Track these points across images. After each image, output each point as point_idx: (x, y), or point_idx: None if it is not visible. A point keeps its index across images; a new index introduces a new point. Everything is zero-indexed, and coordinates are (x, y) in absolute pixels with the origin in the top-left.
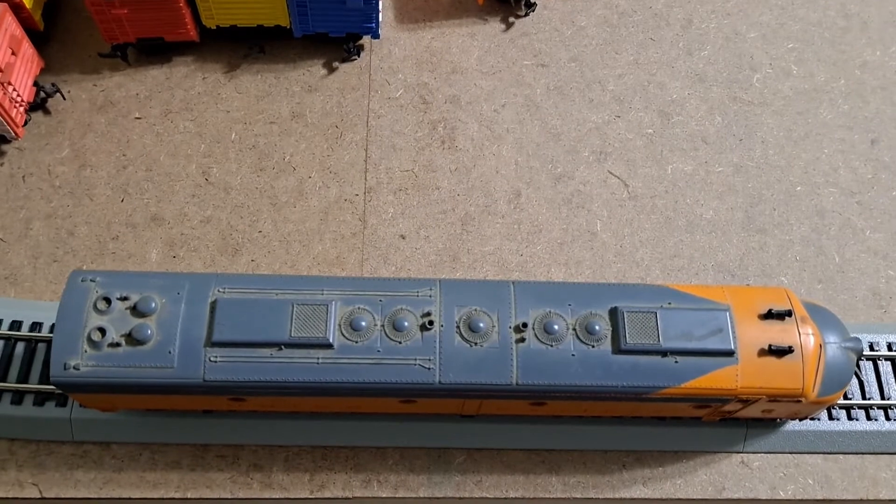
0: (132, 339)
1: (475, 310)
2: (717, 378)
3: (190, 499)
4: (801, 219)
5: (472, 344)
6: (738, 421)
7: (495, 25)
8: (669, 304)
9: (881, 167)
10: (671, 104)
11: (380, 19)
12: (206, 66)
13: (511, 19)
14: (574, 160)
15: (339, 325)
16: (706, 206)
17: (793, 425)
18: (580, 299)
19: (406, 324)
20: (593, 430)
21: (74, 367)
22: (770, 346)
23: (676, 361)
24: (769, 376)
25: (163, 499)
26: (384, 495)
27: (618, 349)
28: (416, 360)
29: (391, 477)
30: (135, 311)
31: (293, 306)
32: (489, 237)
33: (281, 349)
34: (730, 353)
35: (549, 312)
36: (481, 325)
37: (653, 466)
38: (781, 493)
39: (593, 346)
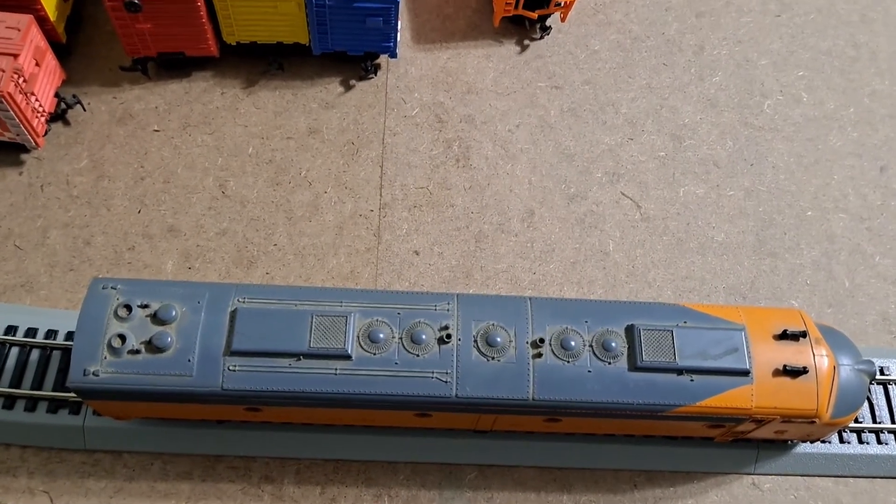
0: (152, 346)
1: (492, 324)
2: (732, 397)
3: None
4: (811, 243)
5: (489, 358)
6: (749, 442)
7: (510, 47)
8: (685, 322)
9: (890, 194)
10: (683, 128)
11: (398, 39)
12: (225, 82)
13: (526, 42)
14: (587, 181)
15: (358, 337)
16: (718, 229)
17: (804, 448)
18: (596, 316)
19: (424, 337)
20: (606, 449)
21: (94, 374)
22: (785, 366)
23: (692, 380)
24: (784, 397)
25: None
26: None
27: (634, 366)
28: (433, 373)
29: (402, 492)
30: (155, 318)
31: (312, 317)
32: (502, 255)
33: (300, 359)
34: (745, 373)
35: (566, 329)
36: (498, 339)
37: (664, 486)
38: None
39: (610, 363)
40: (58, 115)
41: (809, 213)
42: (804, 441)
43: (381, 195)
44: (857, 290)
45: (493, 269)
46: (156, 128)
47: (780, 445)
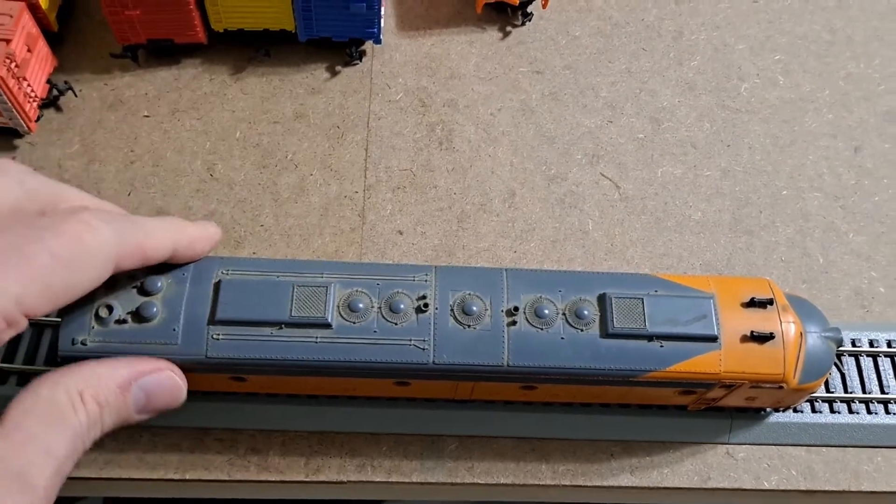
0: (138, 316)
1: (469, 294)
2: (701, 362)
3: (188, 480)
4: (786, 221)
5: (466, 326)
6: (723, 412)
7: (493, 34)
8: (656, 291)
9: (864, 173)
10: (662, 111)
11: (382, 25)
12: (213, 68)
13: (508, 28)
14: (567, 162)
15: (338, 307)
16: (695, 208)
17: (777, 417)
18: (570, 286)
19: (402, 306)
20: (583, 420)
21: (82, 343)
22: (752, 332)
23: (662, 346)
24: (751, 362)
25: (162, 479)
26: (378, 480)
27: (605, 333)
28: (411, 340)
29: (385, 462)
30: (141, 290)
31: (294, 287)
32: (484, 234)
33: (281, 328)
34: (713, 339)
35: (540, 297)
36: (474, 308)
37: (640, 456)
38: (765, 483)
39: (582, 330)
40: (50, 102)
41: (785, 192)
42: (775, 408)
43: (365, 177)
44: (830, 267)
45: (475, 247)
46: (146, 113)
47: (754, 416)
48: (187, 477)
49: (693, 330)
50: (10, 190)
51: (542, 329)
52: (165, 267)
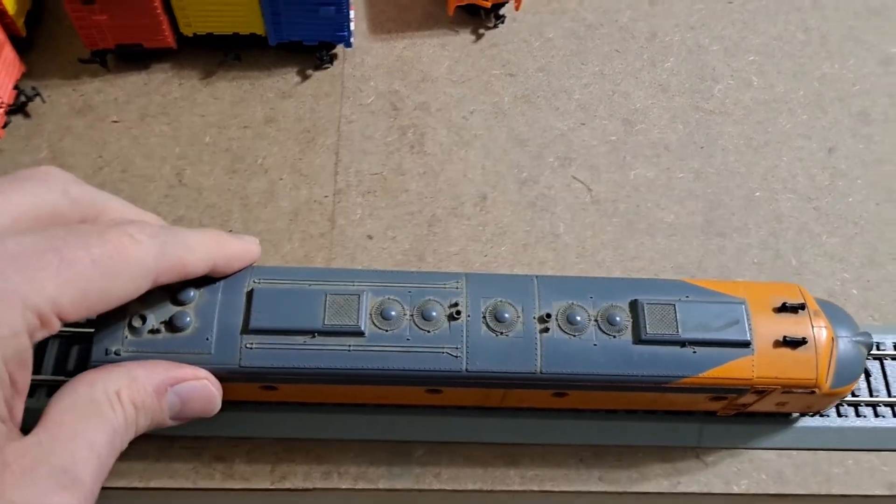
0: (171, 325)
1: (500, 301)
2: (734, 368)
3: (153, 488)
4: (759, 223)
5: (498, 333)
6: (693, 416)
7: (465, 36)
8: (687, 297)
9: (838, 174)
10: (635, 113)
11: (352, 28)
12: (183, 73)
13: (481, 31)
14: (539, 165)
15: (370, 315)
16: (667, 210)
17: (746, 421)
18: (601, 292)
19: (434, 314)
20: (553, 425)
21: (115, 353)
22: (785, 337)
23: (695, 352)
24: (784, 367)
25: (126, 488)
26: (344, 486)
27: (638, 339)
28: (444, 348)
29: (352, 469)
30: (174, 299)
31: (326, 296)
32: (455, 238)
33: (314, 336)
34: (746, 344)
35: (572, 304)
36: (506, 315)
37: (610, 461)
38: (735, 487)
39: (614, 337)
40: (18, 108)
41: (758, 193)
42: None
43: (335, 181)
44: (803, 268)
45: (446, 251)
46: (115, 119)
47: (723, 420)
48: (152, 485)
49: (726, 335)
50: (53, 197)
51: (574, 336)
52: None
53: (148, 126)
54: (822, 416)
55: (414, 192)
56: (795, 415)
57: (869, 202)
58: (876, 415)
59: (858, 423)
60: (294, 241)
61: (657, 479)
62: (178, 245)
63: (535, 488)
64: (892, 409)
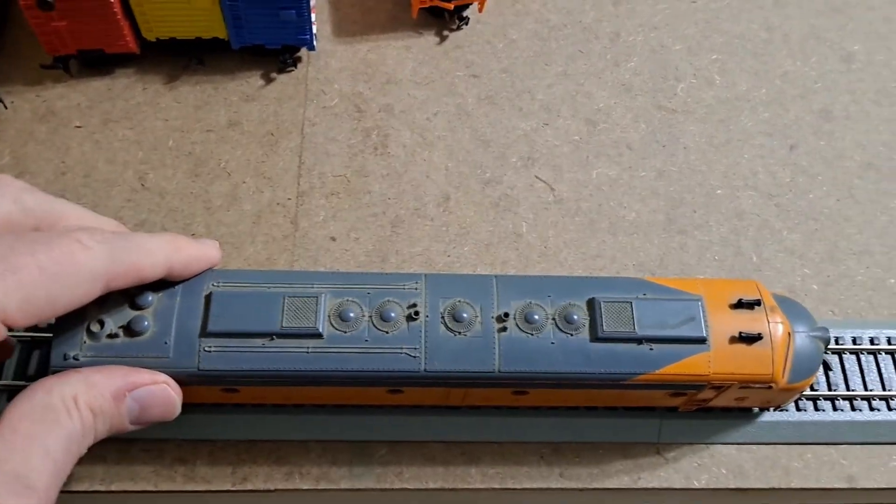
0: (130, 330)
1: (459, 301)
2: (691, 364)
3: (114, 491)
4: (720, 220)
5: (456, 333)
6: (653, 412)
7: (430, 38)
8: (644, 294)
9: (799, 171)
10: (598, 112)
11: (314, 31)
12: (146, 78)
13: (445, 33)
14: (502, 166)
15: (329, 316)
16: (629, 209)
17: (706, 416)
18: (559, 291)
19: (393, 315)
20: (513, 422)
21: (74, 358)
22: (740, 333)
23: (651, 349)
24: (740, 363)
25: (87, 492)
26: (305, 487)
27: (595, 337)
28: (402, 348)
29: (313, 469)
30: (133, 304)
31: (284, 298)
32: (418, 239)
33: (273, 339)
34: (702, 341)
35: (530, 303)
36: (465, 315)
37: (570, 457)
38: (695, 482)
39: (572, 335)
40: None
41: (719, 191)
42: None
43: (298, 184)
44: (764, 265)
45: (409, 252)
46: (77, 124)
47: (683, 415)
48: (113, 488)
49: (682, 332)
50: (5, 206)
51: (532, 334)
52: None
53: (111, 131)
54: (781, 410)
55: (377, 194)
56: (756, 410)
57: (829, 198)
58: (835, 409)
59: (817, 417)
60: (257, 243)
61: (618, 475)
62: (130, 250)
63: (497, 486)
64: (851, 403)
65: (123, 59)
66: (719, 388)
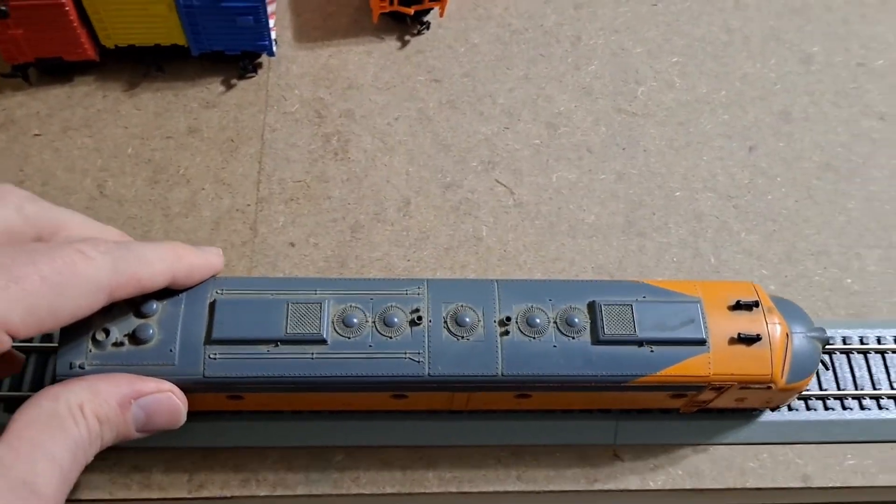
0: (135, 338)
1: (461, 306)
2: (691, 366)
3: (69, 500)
4: (679, 222)
5: (459, 338)
6: (609, 414)
7: (391, 43)
8: (644, 297)
9: (758, 172)
10: (558, 116)
11: (273, 37)
12: (106, 85)
13: (407, 38)
14: (463, 170)
15: (333, 322)
16: (588, 212)
17: (662, 417)
18: (560, 295)
19: (396, 320)
20: (470, 426)
21: (80, 367)
22: (739, 334)
23: (652, 351)
24: (739, 363)
25: None
26: (262, 494)
27: (597, 340)
28: (406, 353)
29: (270, 476)
30: (137, 312)
31: (288, 305)
32: (377, 244)
33: (277, 345)
34: (702, 342)
35: (531, 307)
36: (467, 319)
37: (527, 460)
38: (651, 483)
39: (573, 338)
40: None
41: (678, 193)
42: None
43: (258, 190)
44: (722, 266)
45: (369, 257)
46: (36, 132)
47: (639, 415)
48: (68, 497)
49: (682, 334)
50: (5, 214)
51: (534, 338)
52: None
53: (70, 139)
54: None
55: (337, 199)
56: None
57: (788, 199)
58: (790, 409)
59: (773, 417)
60: None
61: (574, 478)
62: (133, 260)
63: (454, 490)
64: (806, 403)
65: (83, 67)
66: (719, 389)
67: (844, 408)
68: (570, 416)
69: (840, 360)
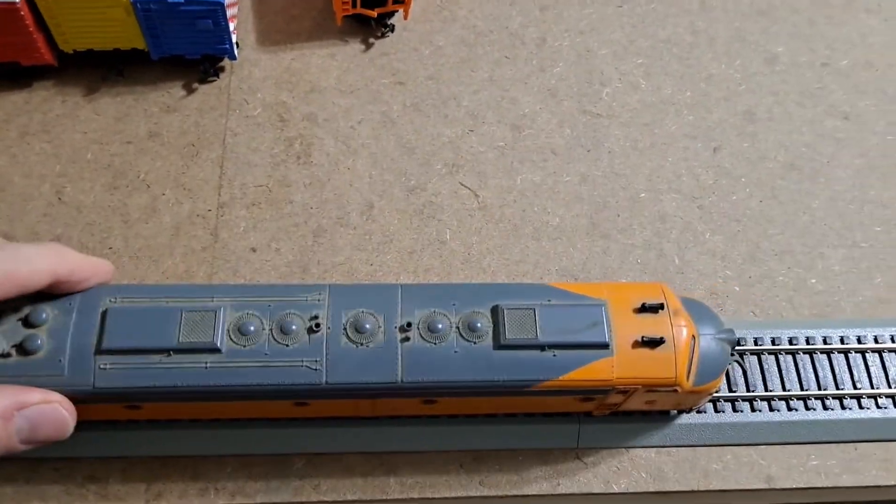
0: (23, 349)
1: (362, 312)
2: (594, 370)
3: None
4: (643, 224)
5: (359, 344)
6: (571, 418)
7: (355, 46)
8: (549, 300)
9: (722, 173)
10: (523, 118)
11: (234, 40)
12: (66, 90)
13: (371, 40)
14: (427, 173)
15: (228, 330)
16: (553, 214)
17: (624, 420)
18: (464, 299)
19: (294, 327)
20: (432, 431)
21: None
22: (643, 337)
23: (554, 355)
24: (643, 367)
25: None
26: (221, 502)
27: (498, 345)
28: (303, 361)
29: (229, 484)
30: (26, 322)
31: (182, 313)
32: (340, 248)
33: (170, 355)
34: (605, 346)
35: (434, 312)
36: (367, 326)
37: (490, 465)
38: (615, 486)
39: (475, 343)
40: None
41: (643, 194)
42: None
43: (219, 195)
44: (686, 267)
45: (331, 262)
46: None
47: (602, 419)
48: None
49: (585, 338)
50: None
51: (435, 343)
52: (53, 297)
53: (28, 144)
54: (699, 412)
55: (299, 203)
56: (673, 413)
57: (752, 200)
58: (753, 409)
59: (736, 418)
60: (175, 256)
61: (537, 482)
62: (8, 259)
63: (416, 496)
64: (769, 404)
65: (41, 72)
66: (625, 392)
67: (807, 408)
68: (532, 421)
69: (803, 360)
